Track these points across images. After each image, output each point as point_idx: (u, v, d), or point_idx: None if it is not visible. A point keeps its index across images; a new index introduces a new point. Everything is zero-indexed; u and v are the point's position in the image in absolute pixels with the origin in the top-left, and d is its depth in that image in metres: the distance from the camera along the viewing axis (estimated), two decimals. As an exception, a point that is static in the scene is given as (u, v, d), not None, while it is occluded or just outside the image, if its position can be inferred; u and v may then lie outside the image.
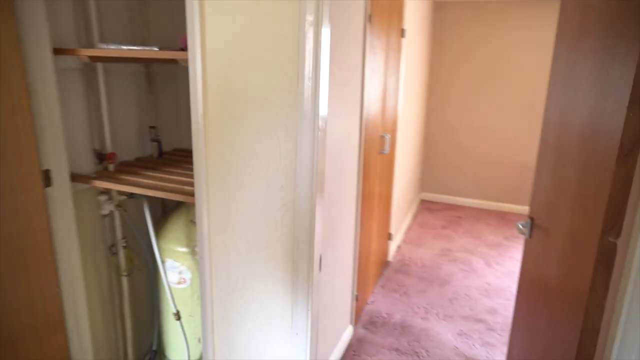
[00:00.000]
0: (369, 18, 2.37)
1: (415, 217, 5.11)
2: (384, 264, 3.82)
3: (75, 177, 1.83)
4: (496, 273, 3.81)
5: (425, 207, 5.46)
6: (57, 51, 1.63)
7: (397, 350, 2.75)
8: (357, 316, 3.01)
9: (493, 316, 3.16)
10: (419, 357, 2.70)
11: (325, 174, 1.85)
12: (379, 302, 3.29)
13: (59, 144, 1.71)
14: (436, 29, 5.12)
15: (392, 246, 4.02)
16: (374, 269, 3.39)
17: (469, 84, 5.13)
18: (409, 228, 4.76)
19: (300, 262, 1.44)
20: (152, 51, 1.57)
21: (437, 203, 5.62)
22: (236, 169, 1.43)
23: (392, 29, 3.07)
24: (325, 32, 1.24)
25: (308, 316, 1.45)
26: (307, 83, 1.28)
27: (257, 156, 1.39)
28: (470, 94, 5.15)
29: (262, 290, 1.52)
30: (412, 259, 4.02)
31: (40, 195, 1.66)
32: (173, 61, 1.64)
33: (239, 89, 1.35)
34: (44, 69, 1.59)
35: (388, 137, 3.20)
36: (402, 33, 3.40)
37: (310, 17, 1.23)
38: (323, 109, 1.33)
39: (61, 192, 1.76)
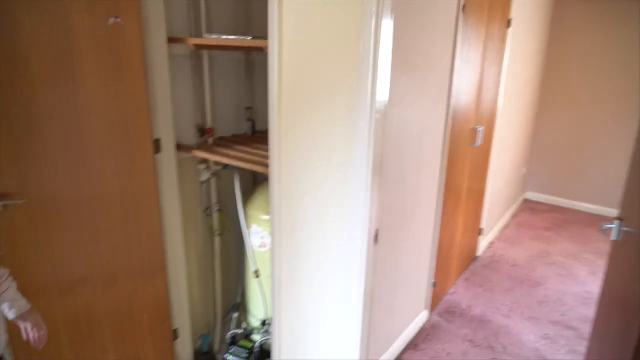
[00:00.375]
0: (462, 7, 2.35)
1: (515, 215, 4.84)
2: (472, 258, 3.73)
3: (180, 147, 2.17)
4: (600, 282, 3.49)
5: (529, 206, 5.13)
6: (170, 40, 1.96)
7: (471, 341, 2.73)
8: (434, 304, 3.03)
9: (587, 325, 2.94)
10: (493, 351, 2.65)
11: (397, 158, 1.93)
12: (460, 294, 3.26)
13: (168, 118, 2.05)
14: (556, 20, 4.72)
15: (483, 242, 3.90)
16: (458, 261, 3.35)
17: (588, 80, 4.65)
18: (506, 226, 4.54)
19: (354, 233, 1.57)
20: (244, 40, 1.80)
21: (543, 204, 5.23)
22: (303, 145, 1.60)
23: (495, 18, 2.97)
24: (387, 22, 1.34)
25: (361, 281, 1.58)
26: (367, 70, 1.39)
27: (321, 135, 1.54)
28: (588, 92, 4.67)
29: (320, 255, 1.68)
30: (503, 257, 3.86)
31: (151, 160, 2.01)
32: (260, 49, 1.85)
33: (309, 74, 1.50)
34: (159, 55, 1.93)
35: (481, 129, 3.12)
36: (508, 23, 3.25)
37: (372, 8, 1.33)
38: (382, 95, 1.43)
39: (168, 158, 2.11)
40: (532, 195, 5.33)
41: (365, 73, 1.39)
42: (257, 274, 2.28)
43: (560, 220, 4.75)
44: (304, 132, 1.57)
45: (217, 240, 2.51)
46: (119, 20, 1.72)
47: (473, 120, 2.97)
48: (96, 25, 1.69)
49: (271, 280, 1.86)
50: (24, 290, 1.86)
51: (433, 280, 2.88)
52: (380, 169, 1.54)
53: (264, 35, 2.36)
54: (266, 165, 1.90)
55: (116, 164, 1.90)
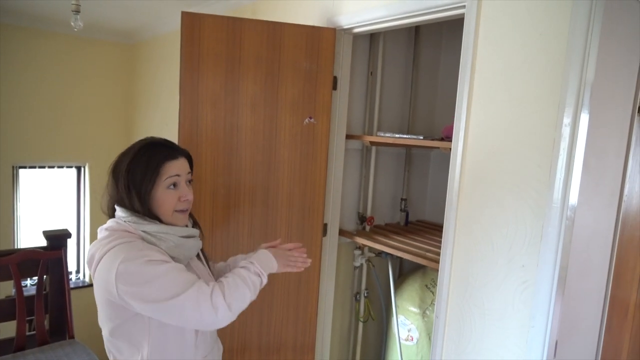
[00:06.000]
0: (638, 109, 2.28)
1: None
2: (636, 387, 3.19)
3: (342, 232, 2.32)
4: None
5: None
6: (348, 136, 2.20)
7: None
8: None
9: None
10: None
11: (570, 263, 1.83)
12: None
13: (336, 205, 2.24)
14: None
15: (649, 369, 3.33)
16: (620, 388, 2.89)
17: None
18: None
19: (534, 343, 1.49)
20: (418, 139, 1.95)
21: None
22: (480, 243, 1.61)
23: None
24: (582, 133, 1.37)
25: (537, 402, 1.47)
26: (559, 176, 1.41)
27: (502, 235, 1.55)
28: None
29: (491, 359, 1.61)
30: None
31: (319, 242, 2.18)
32: (432, 148, 1.98)
33: (492, 175, 1.56)
34: (338, 149, 2.17)
35: (651, 237, 2.82)
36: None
37: (567, 120, 1.38)
38: (573, 199, 1.42)
39: (332, 242, 2.26)
40: None
41: (558, 179, 1.41)
42: (402, 368, 2.23)
43: None
44: (483, 230, 1.60)
45: (361, 326, 2.53)
46: (312, 120, 2.00)
47: (642, 228, 2.70)
48: (295, 123, 1.99)
49: (428, 378, 1.81)
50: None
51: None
52: (565, 275, 1.48)
53: (426, 132, 2.52)
54: (430, 259, 1.93)
55: (290, 241, 2.09)
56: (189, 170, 1.25)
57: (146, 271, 1.07)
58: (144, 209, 1.17)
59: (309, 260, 1.32)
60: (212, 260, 1.49)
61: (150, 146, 1.20)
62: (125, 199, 1.17)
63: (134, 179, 1.16)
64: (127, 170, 1.16)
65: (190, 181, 1.26)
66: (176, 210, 1.20)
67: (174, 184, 1.19)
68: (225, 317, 1.09)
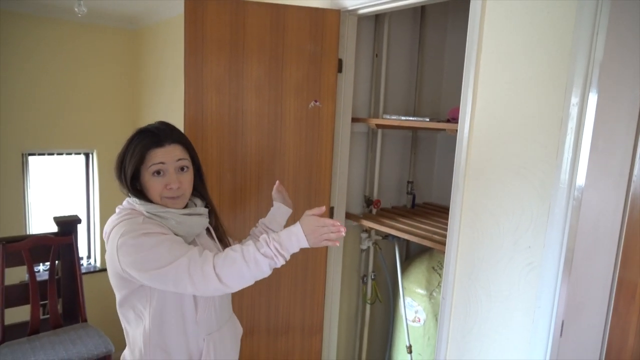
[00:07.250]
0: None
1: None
2: (643, 367, 3.20)
3: (348, 215, 2.32)
4: None
5: None
6: (354, 119, 2.20)
7: None
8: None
9: None
10: None
11: (577, 245, 1.83)
12: (631, 410, 2.79)
13: (342, 188, 2.24)
14: None
15: (657, 349, 3.33)
16: (627, 368, 2.91)
17: None
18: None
19: (540, 323, 1.50)
20: (424, 121, 1.93)
21: None
22: (486, 225, 1.61)
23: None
24: (590, 113, 1.35)
25: (542, 381, 1.48)
26: (566, 156, 1.40)
27: (508, 216, 1.55)
28: None
29: (496, 339, 1.62)
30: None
31: (326, 225, 2.19)
32: (438, 130, 1.96)
33: (498, 157, 1.55)
34: (344, 132, 2.17)
35: (660, 218, 2.79)
36: None
37: (575, 99, 1.36)
38: (580, 180, 1.41)
39: (338, 225, 2.27)
40: None
41: (565, 159, 1.40)
42: (410, 349, 2.25)
43: None
44: (489, 212, 1.60)
45: (368, 308, 2.55)
46: (317, 103, 2.00)
47: (651, 209, 2.68)
48: (300, 107, 1.99)
49: (435, 356, 1.83)
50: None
51: (601, 387, 2.52)
52: (572, 256, 1.48)
53: (432, 115, 2.50)
54: (437, 241, 1.93)
55: (296, 226, 2.11)
56: (179, 157, 1.25)
57: (142, 242, 1.13)
58: (135, 193, 1.24)
59: (343, 229, 1.20)
60: (231, 236, 1.51)
61: (138, 134, 1.25)
62: (119, 184, 1.27)
63: (124, 166, 1.24)
64: (119, 157, 1.25)
65: (182, 168, 1.26)
66: (165, 197, 1.24)
67: (159, 172, 1.22)
68: (216, 286, 1.12)
